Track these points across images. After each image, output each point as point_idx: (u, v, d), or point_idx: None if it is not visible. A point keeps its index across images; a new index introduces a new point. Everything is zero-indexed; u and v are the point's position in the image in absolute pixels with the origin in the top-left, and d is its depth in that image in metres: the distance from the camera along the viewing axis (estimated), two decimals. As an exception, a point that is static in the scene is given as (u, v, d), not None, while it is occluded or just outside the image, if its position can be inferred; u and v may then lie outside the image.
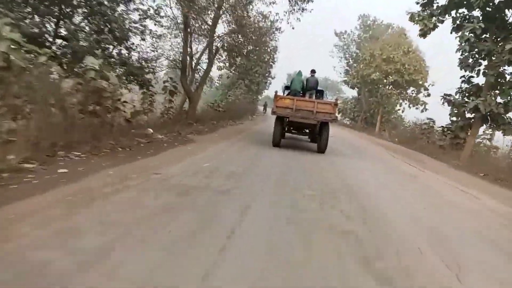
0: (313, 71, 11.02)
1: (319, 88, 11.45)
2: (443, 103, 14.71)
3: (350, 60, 34.39)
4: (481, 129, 14.57)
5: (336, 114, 10.12)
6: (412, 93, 27.38)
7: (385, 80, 26.84)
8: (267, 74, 33.35)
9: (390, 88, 26.89)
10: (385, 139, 22.48)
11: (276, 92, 10.27)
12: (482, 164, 11.52)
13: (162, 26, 14.37)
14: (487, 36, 12.47)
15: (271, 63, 32.54)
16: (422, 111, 26.21)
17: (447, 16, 13.11)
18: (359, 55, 30.80)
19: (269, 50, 32.11)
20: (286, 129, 11.38)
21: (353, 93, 42.35)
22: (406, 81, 25.45)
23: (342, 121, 42.93)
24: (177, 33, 17.06)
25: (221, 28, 19.43)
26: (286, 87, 11.89)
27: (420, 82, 26.15)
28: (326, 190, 5.43)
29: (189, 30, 15.04)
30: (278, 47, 28.32)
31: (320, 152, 10.21)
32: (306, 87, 10.95)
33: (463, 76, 13.89)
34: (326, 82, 68.90)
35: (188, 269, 2.37)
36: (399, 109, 26.53)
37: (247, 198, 4.30)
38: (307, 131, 11.68)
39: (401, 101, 26.77)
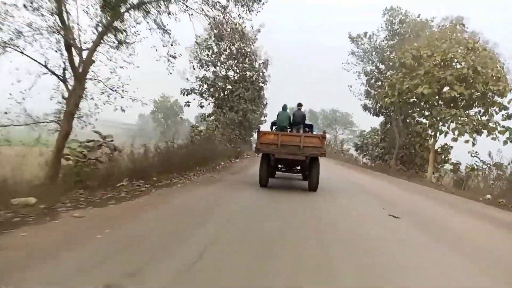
0: (299, 105, 10.68)
1: (307, 122, 11.08)
2: None
3: (374, 74, 24.81)
4: None
5: (325, 148, 9.35)
6: (480, 115, 17.33)
7: (437, 96, 16.99)
8: (257, 100, 23.82)
9: (444, 108, 16.81)
10: (459, 195, 12.12)
11: (259, 128, 10.55)
12: None
13: None
14: None
15: (261, 83, 23.08)
16: (506, 142, 16.07)
17: None
18: (391, 62, 21.20)
19: (255, 58, 23.20)
20: (277, 167, 10.92)
21: (374, 122, 32.84)
22: (482, 95, 15.55)
23: (354, 159, 33.19)
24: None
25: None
26: (273, 123, 10.84)
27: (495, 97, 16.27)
28: None
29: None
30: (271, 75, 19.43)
31: (311, 190, 9.41)
32: (293, 122, 10.36)
33: None
34: (334, 115, 59.59)
35: None
36: (467, 141, 16.23)
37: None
38: (298, 168, 10.84)
39: (467, 127, 16.51)
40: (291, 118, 10.37)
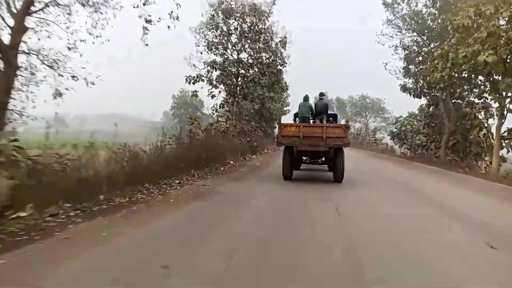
0: (321, 94, 10.63)
1: (330, 112, 11.08)
2: None
3: (413, 48, 20.87)
4: None
5: (349, 138, 9.20)
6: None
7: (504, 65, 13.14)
8: (276, 86, 20.63)
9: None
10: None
11: (280, 119, 11.09)
12: None
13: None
14: None
15: (279, 65, 19.93)
16: None
17: None
18: (433, 32, 17.30)
19: (270, 37, 19.95)
20: (301, 159, 10.63)
21: (411, 107, 28.69)
22: None
23: (389, 150, 29.31)
24: None
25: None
26: (296, 115, 10.60)
27: None
28: None
29: None
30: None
31: (337, 181, 9.16)
32: (315, 112, 10.03)
33: None
34: (364, 102, 55.13)
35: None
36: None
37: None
38: (323, 159, 10.43)
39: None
40: (313, 109, 10.08)
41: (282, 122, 9.67)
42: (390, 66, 22.13)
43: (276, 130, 20.75)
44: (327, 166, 11.00)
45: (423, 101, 22.43)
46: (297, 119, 10.45)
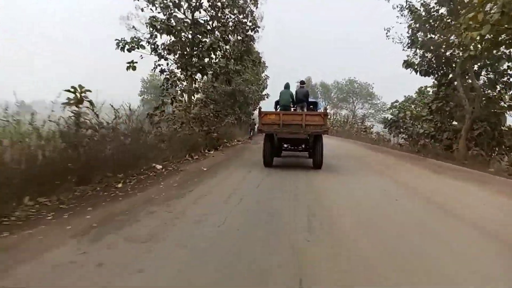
0: (302, 82, 11.47)
1: (311, 99, 11.31)
2: None
3: (422, 11, 16.19)
4: None
5: (328, 125, 9.63)
6: None
7: None
8: (247, 58, 15.60)
9: None
10: None
11: (260, 108, 10.42)
12: None
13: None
14: None
15: (248, 29, 14.99)
16: None
17: None
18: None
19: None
20: (282, 146, 10.97)
21: (402, 91, 24.37)
22: None
23: (384, 140, 25.12)
24: None
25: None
26: (276, 102, 10.88)
27: None
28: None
29: None
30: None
31: (316, 168, 9.54)
32: (296, 100, 10.36)
33: None
34: (352, 86, 50.75)
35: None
36: None
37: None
38: (303, 146, 10.75)
39: None
40: (294, 96, 10.34)
41: (262, 110, 9.68)
42: (394, 33, 17.37)
43: (253, 118, 15.75)
44: (307, 153, 11.08)
45: (427, 81, 17.99)
46: (278, 106, 10.62)
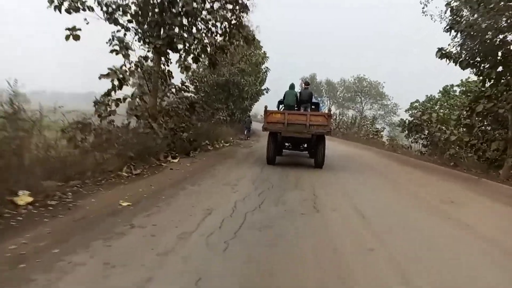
0: (306, 83, 11.38)
1: (314, 100, 11.54)
2: None
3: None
4: None
5: (331, 126, 10.41)
6: None
7: None
8: (236, 32, 11.69)
9: None
10: None
11: (266, 107, 10.09)
12: None
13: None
14: None
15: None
16: None
17: None
18: None
19: None
20: (284, 145, 10.82)
21: (415, 93, 20.49)
22: None
23: (402, 148, 21.29)
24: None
25: None
26: (280, 102, 10.91)
27: None
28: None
29: None
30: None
31: (317, 167, 9.83)
32: (300, 101, 10.56)
33: None
34: (360, 85, 46.83)
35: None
36: None
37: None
38: (305, 146, 10.99)
39: None
40: (298, 97, 10.54)
41: (268, 109, 9.79)
42: (434, 8, 13.36)
43: (248, 114, 14.59)
44: (308, 153, 11.38)
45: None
46: (281, 106, 10.79)
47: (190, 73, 23.86)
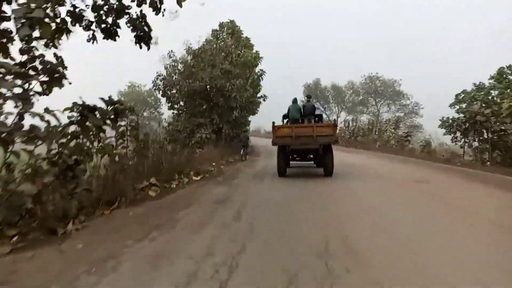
0: (308, 97, 13.40)
1: (317, 112, 11.70)
2: None
3: None
4: None
5: (337, 135, 10.66)
6: None
7: None
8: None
9: None
10: None
11: (273, 123, 10.23)
12: None
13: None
14: None
15: None
16: None
17: None
18: None
19: None
20: (291, 157, 11.10)
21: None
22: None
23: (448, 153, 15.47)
24: None
25: None
26: (284, 116, 11.29)
27: None
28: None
29: None
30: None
31: (327, 175, 9.93)
32: (304, 114, 10.95)
33: None
34: (374, 85, 41.04)
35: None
36: None
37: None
38: (311, 156, 11.38)
39: None
40: (302, 110, 10.88)
41: (276, 124, 10.06)
42: None
43: (244, 129, 14.85)
44: (314, 163, 11.57)
45: None
46: (285, 120, 11.12)
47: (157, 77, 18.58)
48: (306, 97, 12.11)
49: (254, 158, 18.51)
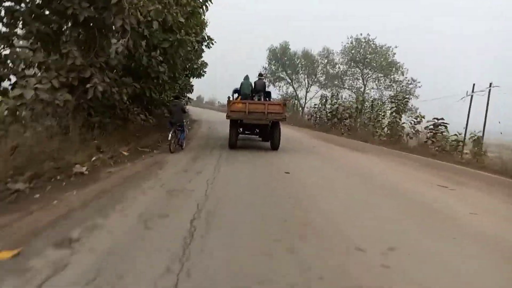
0: (260, 75, 12.82)
1: (266, 90, 12.25)
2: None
3: None
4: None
5: (286, 114, 11.01)
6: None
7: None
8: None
9: None
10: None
11: (228, 97, 11.15)
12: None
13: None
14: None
15: None
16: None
17: None
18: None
19: None
20: (240, 131, 11.99)
21: None
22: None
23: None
24: None
25: None
26: (236, 91, 12.18)
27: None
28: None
29: None
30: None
31: (274, 149, 11.05)
32: (255, 90, 11.65)
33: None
34: (363, 49, 33.19)
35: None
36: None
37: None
38: (257, 131, 12.27)
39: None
40: (253, 87, 11.58)
41: (231, 100, 10.78)
42: None
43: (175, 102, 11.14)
44: (260, 137, 12.51)
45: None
46: (235, 94, 11.93)
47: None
48: (258, 75, 12.21)
49: (199, 145, 11.62)
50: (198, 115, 32.16)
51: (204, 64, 19.12)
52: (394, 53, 30.89)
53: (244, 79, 11.55)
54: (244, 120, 10.55)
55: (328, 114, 24.20)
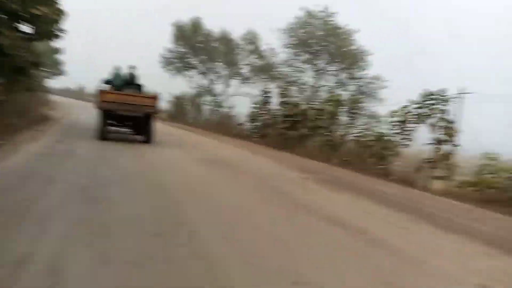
0: (132, 67, 12.19)
1: (137, 83, 12.08)
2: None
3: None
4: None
5: (158, 108, 11.13)
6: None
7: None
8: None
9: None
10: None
11: (99, 88, 10.96)
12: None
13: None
14: None
15: None
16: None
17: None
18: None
19: None
20: (111, 123, 11.54)
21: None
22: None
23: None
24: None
25: None
26: (107, 82, 11.59)
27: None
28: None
29: None
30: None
31: (147, 142, 10.98)
32: (126, 82, 11.44)
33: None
34: (315, 26, 24.43)
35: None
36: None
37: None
38: (129, 123, 11.67)
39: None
40: (126, 78, 11.44)
41: (102, 89, 10.63)
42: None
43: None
44: (133, 130, 11.90)
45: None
46: (106, 84, 11.32)
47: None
48: (129, 67, 11.66)
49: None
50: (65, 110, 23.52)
51: (59, 13, 11.20)
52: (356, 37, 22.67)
53: (115, 70, 11.61)
54: (116, 111, 10.38)
55: (286, 121, 15.26)
